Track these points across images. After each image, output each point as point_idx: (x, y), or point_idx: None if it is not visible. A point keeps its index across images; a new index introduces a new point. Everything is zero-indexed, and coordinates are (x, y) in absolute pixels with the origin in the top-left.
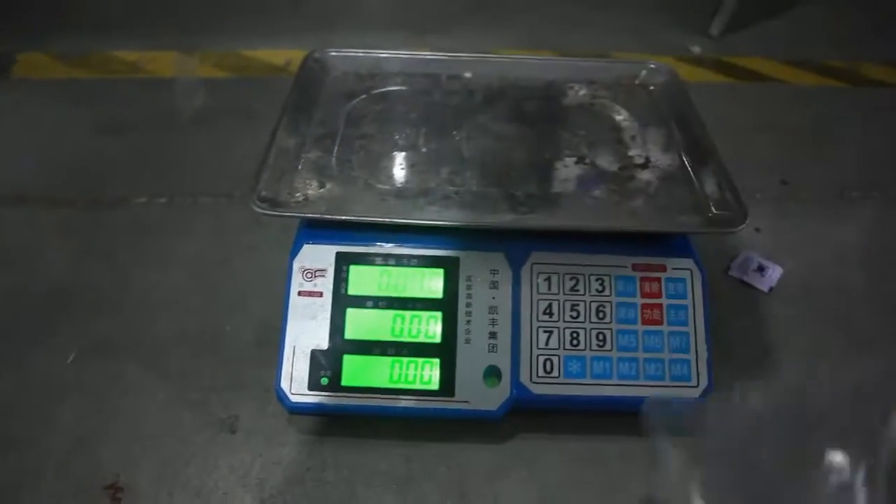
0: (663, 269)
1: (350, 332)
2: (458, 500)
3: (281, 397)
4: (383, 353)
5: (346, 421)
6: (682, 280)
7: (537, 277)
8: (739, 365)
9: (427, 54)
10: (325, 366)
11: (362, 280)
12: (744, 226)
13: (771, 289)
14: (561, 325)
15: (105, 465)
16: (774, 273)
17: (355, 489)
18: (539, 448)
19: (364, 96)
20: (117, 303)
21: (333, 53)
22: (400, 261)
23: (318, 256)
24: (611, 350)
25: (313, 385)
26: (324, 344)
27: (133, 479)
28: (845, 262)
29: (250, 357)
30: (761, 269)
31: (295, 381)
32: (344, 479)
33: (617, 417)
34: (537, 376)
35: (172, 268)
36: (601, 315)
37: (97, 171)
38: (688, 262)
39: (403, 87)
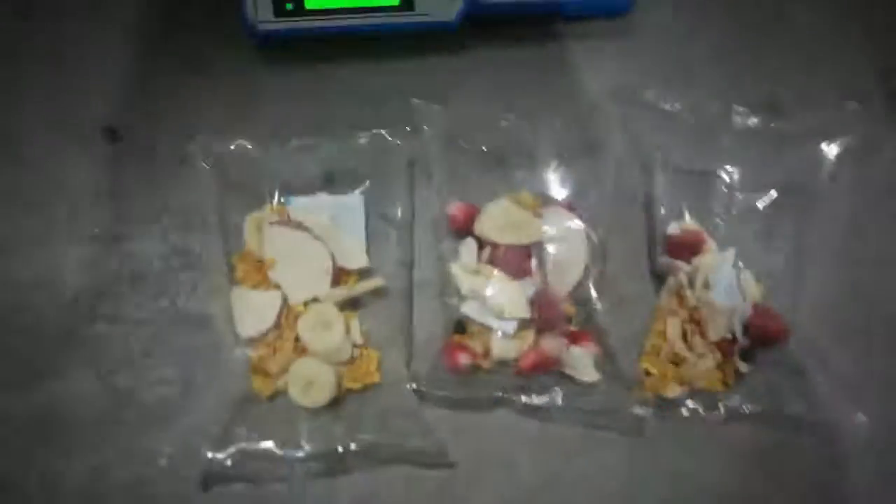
0: None
1: None
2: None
3: (248, 27)
4: None
5: (313, 46)
6: None
7: None
8: None
9: None
10: None
11: None
12: None
13: None
14: None
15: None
16: None
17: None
18: (494, 56)
19: None
20: None
21: None
22: None
23: None
24: None
25: (279, 12)
26: None
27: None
28: None
29: None
30: None
31: (260, 7)
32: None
33: (561, 26)
34: None
35: None
36: None
37: None
38: None
39: None
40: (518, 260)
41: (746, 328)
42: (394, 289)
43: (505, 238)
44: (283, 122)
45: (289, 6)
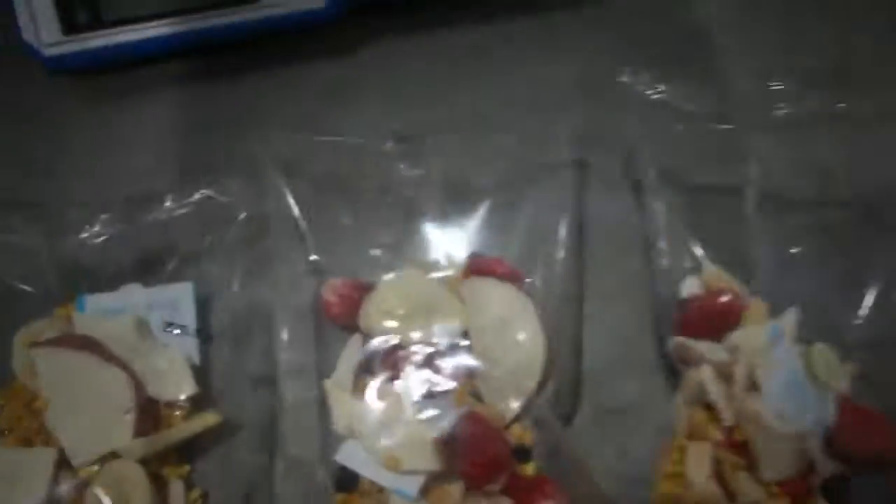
0: None
1: None
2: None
3: (33, 52)
4: None
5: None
6: None
7: None
8: None
9: None
10: None
11: None
12: None
13: None
14: None
15: None
16: None
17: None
18: (385, 54)
19: None
20: None
21: None
22: None
23: None
24: None
25: (69, 27)
26: None
27: None
28: None
29: None
30: None
31: (42, 25)
32: None
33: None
34: None
35: None
36: None
37: None
38: None
39: None
40: (420, 366)
41: (830, 442)
42: (250, 424)
43: (405, 331)
44: (69, 185)
45: (81, 17)
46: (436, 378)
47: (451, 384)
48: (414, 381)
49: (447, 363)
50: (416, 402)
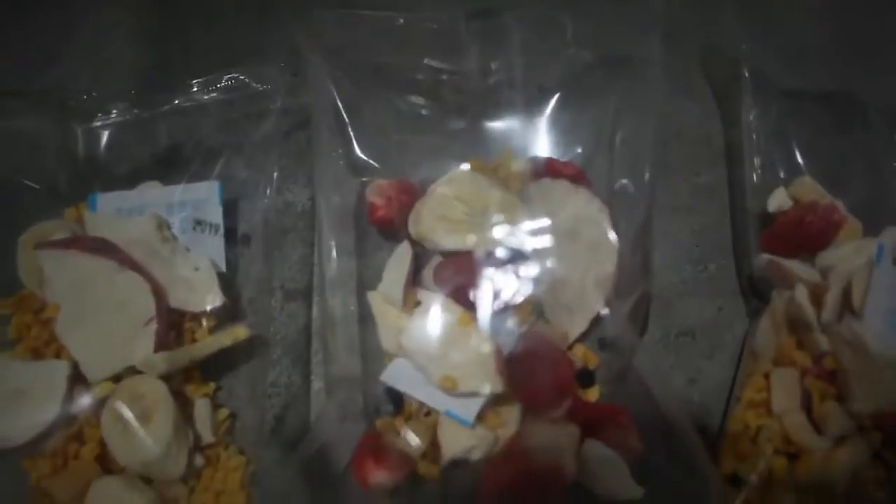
0: None
1: None
2: None
3: None
4: None
5: None
6: None
7: None
8: None
9: None
10: None
11: None
12: None
13: None
14: None
15: None
16: None
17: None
18: None
19: None
20: None
21: None
22: None
23: None
24: None
25: None
26: None
27: None
28: None
29: None
30: None
31: None
32: None
33: None
34: None
35: None
36: None
37: None
38: None
39: None
40: (480, 277)
41: None
42: (283, 340)
43: (458, 240)
44: (77, 72)
45: None
46: (499, 291)
47: (515, 298)
48: (474, 295)
49: (511, 273)
50: (477, 318)
